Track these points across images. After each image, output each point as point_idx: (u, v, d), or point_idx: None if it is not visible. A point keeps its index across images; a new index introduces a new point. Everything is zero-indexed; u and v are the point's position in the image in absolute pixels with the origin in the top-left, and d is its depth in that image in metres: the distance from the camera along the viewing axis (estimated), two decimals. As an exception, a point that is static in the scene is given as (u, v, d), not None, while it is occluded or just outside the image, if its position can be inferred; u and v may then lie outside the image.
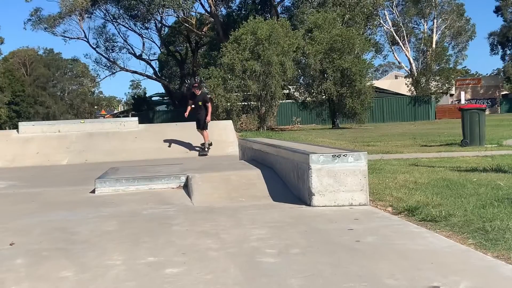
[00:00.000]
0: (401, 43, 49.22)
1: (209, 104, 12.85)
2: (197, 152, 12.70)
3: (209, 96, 17.75)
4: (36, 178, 9.05)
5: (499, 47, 73.76)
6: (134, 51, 50.16)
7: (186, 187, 6.47)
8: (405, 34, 49.29)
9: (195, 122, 12.89)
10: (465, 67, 76.78)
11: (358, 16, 36.63)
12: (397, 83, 57.08)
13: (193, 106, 13.08)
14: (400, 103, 45.29)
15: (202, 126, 12.61)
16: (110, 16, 46.61)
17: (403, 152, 11.89)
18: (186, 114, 13.09)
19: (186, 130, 14.30)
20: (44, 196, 6.66)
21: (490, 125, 20.03)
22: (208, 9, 42.63)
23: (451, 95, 56.58)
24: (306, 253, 3.63)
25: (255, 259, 3.53)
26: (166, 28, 51.02)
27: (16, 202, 6.35)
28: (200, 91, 13.07)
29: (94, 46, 48.46)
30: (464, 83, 60.81)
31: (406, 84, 49.61)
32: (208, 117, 12.60)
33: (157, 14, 45.06)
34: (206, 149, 12.44)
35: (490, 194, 5.58)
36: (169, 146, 12.97)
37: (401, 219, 4.70)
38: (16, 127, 14.04)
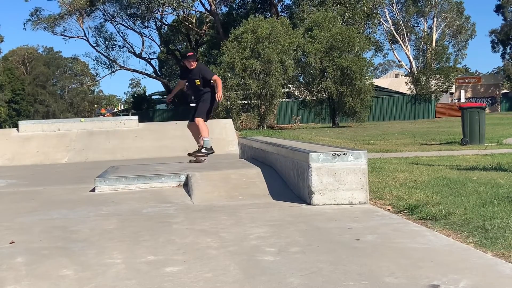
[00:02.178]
0: (401, 42, 49.22)
1: (216, 77, 8.85)
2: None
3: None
4: (36, 176, 9.04)
5: (500, 45, 73.76)
6: (134, 50, 50.21)
7: (186, 185, 6.47)
8: (405, 32, 49.30)
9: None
10: (465, 65, 76.90)
11: (358, 15, 36.64)
12: (397, 82, 57.11)
13: (184, 90, 9.28)
14: (400, 102, 45.31)
15: (198, 114, 8.66)
16: (109, 16, 46.62)
17: (403, 151, 11.89)
18: (169, 98, 9.97)
19: (186, 129, 14.28)
20: (44, 194, 6.65)
21: (490, 123, 20.04)
22: (208, 8, 42.63)
23: (451, 93, 56.60)
24: (306, 252, 3.63)
25: (255, 258, 3.53)
26: (165, 26, 51.03)
27: (16, 200, 6.35)
28: (196, 63, 8.73)
29: (94, 45, 48.54)
30: (464, 81, 60.82)
31: (406, 82, 49.65)
32: (219, 94, 8.61)
33: (156, 13, 45.07)
34: (204, 150, 8.66)
35: (490, 192, 5.59)
36: (169, 145, 12.96)
37: (401, 218, 4.70)
38: (16, 125, 14.04)
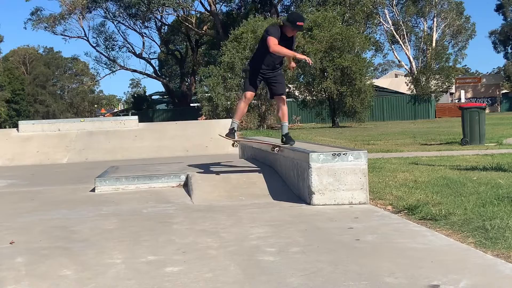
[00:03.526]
0: (401, 42, 49.22)
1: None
2: (198, 151, 11.22)
3: None
4: (36, 176, 9.05)
5: (502, 45, 73.76)
6: (134, 50, 50.23)
7: (186, 185, 6.47)
8: (405, 32, 49.29)
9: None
10: (465, 65, 76.93)
11: (358, 15, 36.63)
12: (397, 82, 57.11)
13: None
14: (400, 102, 45.31)
15: (284, 90, 7.03)
16: (110, 15, 46.65)
17: (403, 151, 11.88)
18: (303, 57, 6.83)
19: (186, 129, 14.31)
20: (44, 194, 6.66)
21: (490, 123, 20.03)
22: (208, 8, 42.65)
23: (451, 93, 56.64)
24: (306, 252, 3.63)
25: (255, 258, 3.53)
26: (166, 26, 51.05)
27: (16, 200, 6.35)
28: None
29: (94, 45, 48.57)
30: (464, 81, 60.83)
31: (406, 82, 49.64)
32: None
33: (157, 13, 45.09)
34: (289, 137, 6.57)
35: (490, 192, 5.58)
36: (169, 145, 12.96)
37: (401, 218, 4.70)
38: (16, 125, 14.05)
